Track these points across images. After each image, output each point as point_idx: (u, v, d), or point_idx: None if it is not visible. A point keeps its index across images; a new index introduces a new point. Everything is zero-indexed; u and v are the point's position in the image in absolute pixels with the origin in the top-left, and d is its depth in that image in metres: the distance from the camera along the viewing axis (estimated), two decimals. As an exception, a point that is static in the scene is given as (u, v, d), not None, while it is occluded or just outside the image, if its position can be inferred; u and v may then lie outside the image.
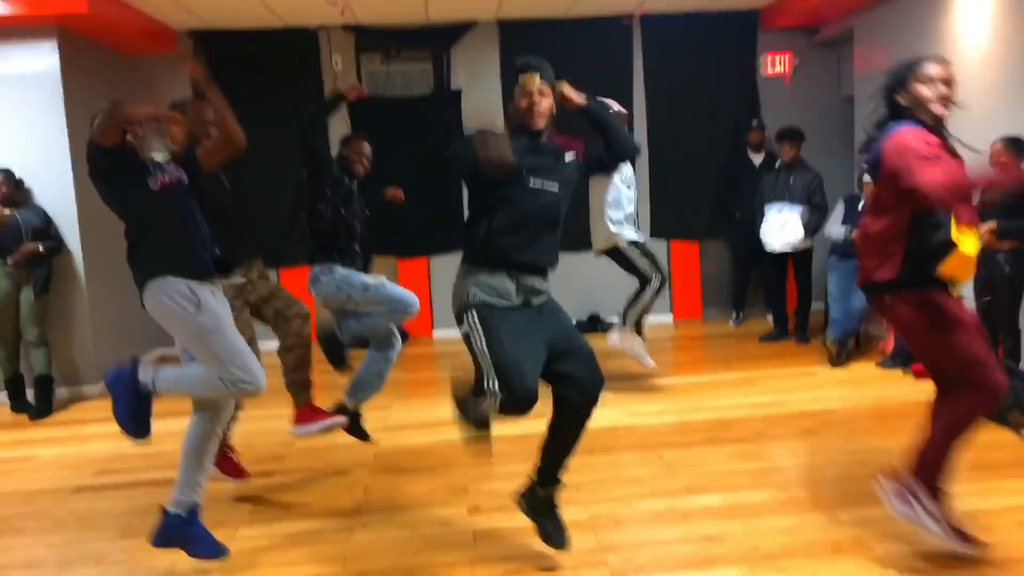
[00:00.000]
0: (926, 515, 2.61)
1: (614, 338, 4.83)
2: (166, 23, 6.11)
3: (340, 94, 3.70)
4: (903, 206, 2.53)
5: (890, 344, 5.30)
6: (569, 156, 2.74)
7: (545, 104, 2.64)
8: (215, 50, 6.34)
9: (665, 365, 5.48)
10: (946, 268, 2.52)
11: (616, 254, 4.84)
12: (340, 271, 3.66)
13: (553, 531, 2.79)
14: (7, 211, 5.10)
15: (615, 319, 5.17)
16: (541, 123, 2.65)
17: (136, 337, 5.73)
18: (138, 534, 3.17)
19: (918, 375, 4.81)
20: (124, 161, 2.70)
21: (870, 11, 5.96)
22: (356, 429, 3.86)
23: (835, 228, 5.56)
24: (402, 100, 6.65)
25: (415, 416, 4.69)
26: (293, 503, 3.51)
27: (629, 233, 4.82)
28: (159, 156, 2.78)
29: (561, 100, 2.73)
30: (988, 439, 3.49)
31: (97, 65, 5.90)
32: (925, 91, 2.53)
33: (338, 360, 3.81)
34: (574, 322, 6.57)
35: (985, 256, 3.96)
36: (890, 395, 4.62)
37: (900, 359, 5.10)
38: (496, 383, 2.45)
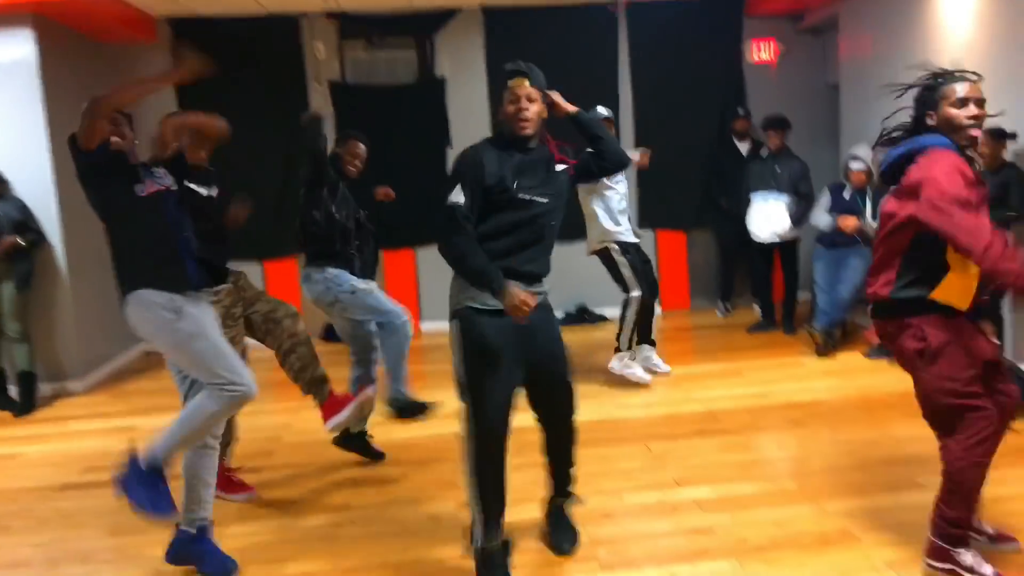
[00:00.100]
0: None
1: (615, 366, 4.84)
2: (145, 10, 6.01)
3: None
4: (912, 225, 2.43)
5: (876, 334, 5.32)
6: (560, 167, 2.71)
7: (533, 110, 2.59)
8: (195, 38, 6.22)
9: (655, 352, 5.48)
10: (939, 293, 2.44)
11: (606, 257, 4.84)
12: (331, 271, 3.67)
13: (563, 538, 2.90)
14: (-15, 204, 5.01)
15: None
16: (529, 129, 2.60)
17: (120, 332, 5.66)
18: (125, 532, 3.14)
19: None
20: (110, 163, 2.66)
21: (856, -2, 5.96)
22: (364, 448, 3.83)
23: (821, 217, 5.57)
24: (386, 88, 6.58)
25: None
26: (282, 499, 3.49)
27: (624, 236, 4.80)
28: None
29: (551, 108, 2.69)
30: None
31: (76, 53, 5.80)
32: (958, 114, 2.42)
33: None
34: (563, 315, 6.60)
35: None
36: (877, 385, 4.64)
37: (887, 349, 5.11)
38: (467, 406, 2.59)
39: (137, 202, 2.68)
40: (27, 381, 5.11)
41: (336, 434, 3.72)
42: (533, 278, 2.66)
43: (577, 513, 2.96)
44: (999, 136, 4.12)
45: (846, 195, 5.46)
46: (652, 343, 5.07)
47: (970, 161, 2.45)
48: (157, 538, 2.91)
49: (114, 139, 2.70)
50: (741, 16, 6.74)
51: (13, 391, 5.19)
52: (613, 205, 4.79)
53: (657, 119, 6.76)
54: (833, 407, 4.33)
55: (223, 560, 2.83)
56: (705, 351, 5.78)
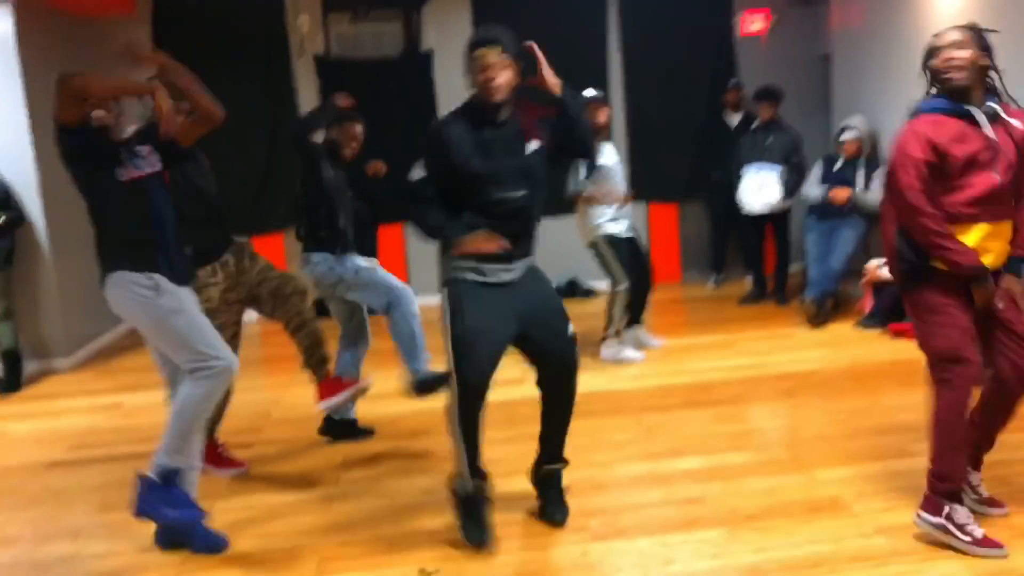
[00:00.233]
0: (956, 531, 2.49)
1: (606, 354, 4.81)
2: (125, -17, 5.89)
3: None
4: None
5: (868, 304, 5.33)
6: (532, 144, 2.65)
7: (503, 77, 2.53)
8: (176, 12, 6.12)
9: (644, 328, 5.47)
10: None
11: (595, 252, 4.80)
12: (331, 253, 3.60)
13: (555, 508, 2.87)
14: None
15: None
16: (499, 96, 2.55)
17: (106, 310, 5.58)
18: (115, 508, 3.12)
19: (896, 334, 4.85)
20: (91, 144, 2.60)
21: (848, -33, 5.89)
22: (352, 432, 3.81)
23: (813, 189, 5.54)
24: (372, 61, 6.48)
25: (393, 385, 4.62)
26: (272, 474, 3.47)
27: (612, 227, 4.74)
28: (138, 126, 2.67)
29: (539, 84, 2.62)
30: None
31: (54, 29, 5.66)
32: (936, 63, 2.47)
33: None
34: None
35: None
36: (868, 355, 4.65)
37: (878, 319, 5.13)
38: (451, 361, 2.59)
39: (118, 187, 2.63)
40: (12, 359, 5.06)
41: (321, 421, 3.77)
42: (512, 259, 2.65)
43: (568, 485, 2.95)
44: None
45: (838, 166, 5.44)
46: (640, 323, 5.05)
47: (967, 116, 2.45)
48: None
49: (96, 113, 2.63)
50: (732, -14, 6.67)
51: (-1, 369, 5.14)
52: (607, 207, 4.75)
53: (649, 92, 6.70)
54: (824, 377, 4.34)
55: (214, 537, 2.81)
56: (697, 323, 5.77)
